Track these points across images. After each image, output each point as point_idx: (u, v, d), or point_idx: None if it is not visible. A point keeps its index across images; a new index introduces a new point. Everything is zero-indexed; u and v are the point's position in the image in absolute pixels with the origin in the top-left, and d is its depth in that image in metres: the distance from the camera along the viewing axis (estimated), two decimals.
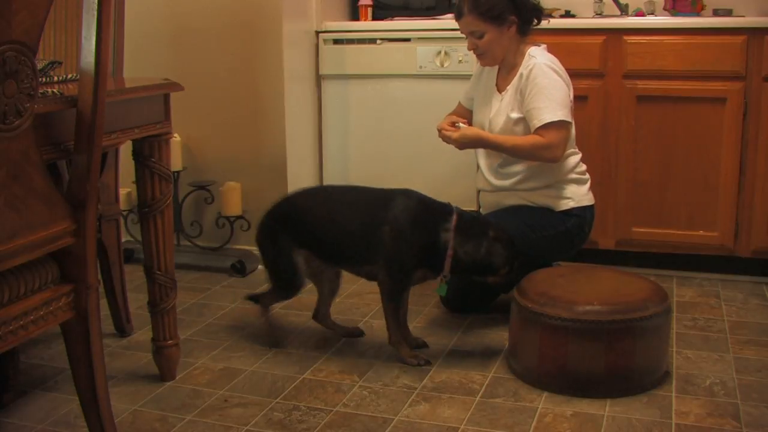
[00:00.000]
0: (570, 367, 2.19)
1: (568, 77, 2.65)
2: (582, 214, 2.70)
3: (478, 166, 2.82)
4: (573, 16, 3.47)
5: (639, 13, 3.39)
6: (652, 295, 2.26)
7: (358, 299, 2.98)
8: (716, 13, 3.33)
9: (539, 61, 2.61)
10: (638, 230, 3.16)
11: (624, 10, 3.42)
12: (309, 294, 3.05)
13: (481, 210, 2.91)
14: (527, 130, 2.62)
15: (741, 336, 2.60)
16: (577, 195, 2.70)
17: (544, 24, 2.73)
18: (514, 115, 2.63)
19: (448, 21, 3.35)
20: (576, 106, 2.72)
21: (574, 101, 2.69)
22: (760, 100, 2.95)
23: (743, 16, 3.25)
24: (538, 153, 2.57)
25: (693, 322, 2.73)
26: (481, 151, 2.78)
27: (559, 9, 3.48)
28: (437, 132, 2.73)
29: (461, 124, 2.71)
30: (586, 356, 2.18)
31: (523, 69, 2.63)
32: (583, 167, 2.75)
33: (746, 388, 2.23)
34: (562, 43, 2.99)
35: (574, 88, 2.70)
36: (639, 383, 2.21)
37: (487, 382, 2.29)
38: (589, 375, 2.19)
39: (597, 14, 3.44)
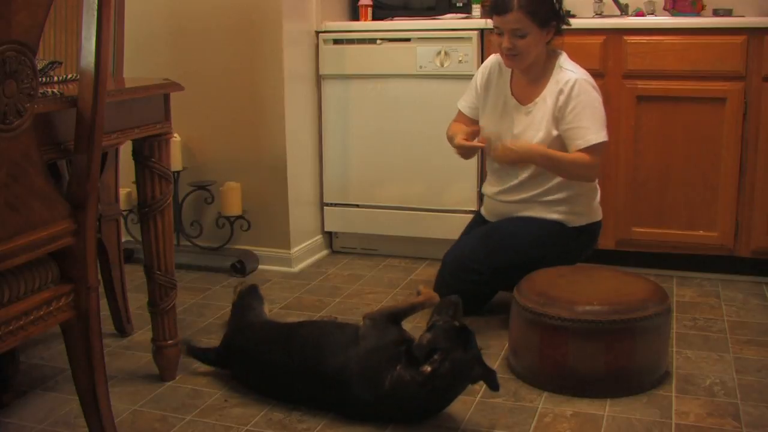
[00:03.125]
0: (570, 367, 2.19)
1: None
2: (592, 229, 2.70)
3: (485, 178, 2.78)
4: (573, 16, 3.44)
5: (639, 13, 3.39)
6: (652, 295, 2.26)
7: (358, 299, 2.98)
8: (716, 13, 3.33)
9: (579, 77, 2.55)
10: (638, 230, 3.16)
11: (624, 10, 3.42)
12: (309, 294, 3.05)
13: (485, 216, 2.85)
14: (561, 147, 2.57)
15: (741, 336, 2.60)
16: (590, 210, 2.69)
17: None
18: (556, 132, 2.57)
19: (448, 21, 3.35)
20: None
21: None
22: (760, 100, 2.95)
23: (743, 16, 3.25)
24: (581, 171, 2.55)
25: (693, 322, 2.73)
26: (493, 163, 2.72)
27: None
28: (449, 141, 2.67)
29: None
30: (586, 356, 2.18)
31: (560, 84, 2.56)
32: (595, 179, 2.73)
33: (746, 388, 2.23)
34: (563, 43, 2.98)
35: None
36: (639, 383, 2.21)
37: None
38: (589, 375, 2.19)
39: (597, 14, 3.43)
